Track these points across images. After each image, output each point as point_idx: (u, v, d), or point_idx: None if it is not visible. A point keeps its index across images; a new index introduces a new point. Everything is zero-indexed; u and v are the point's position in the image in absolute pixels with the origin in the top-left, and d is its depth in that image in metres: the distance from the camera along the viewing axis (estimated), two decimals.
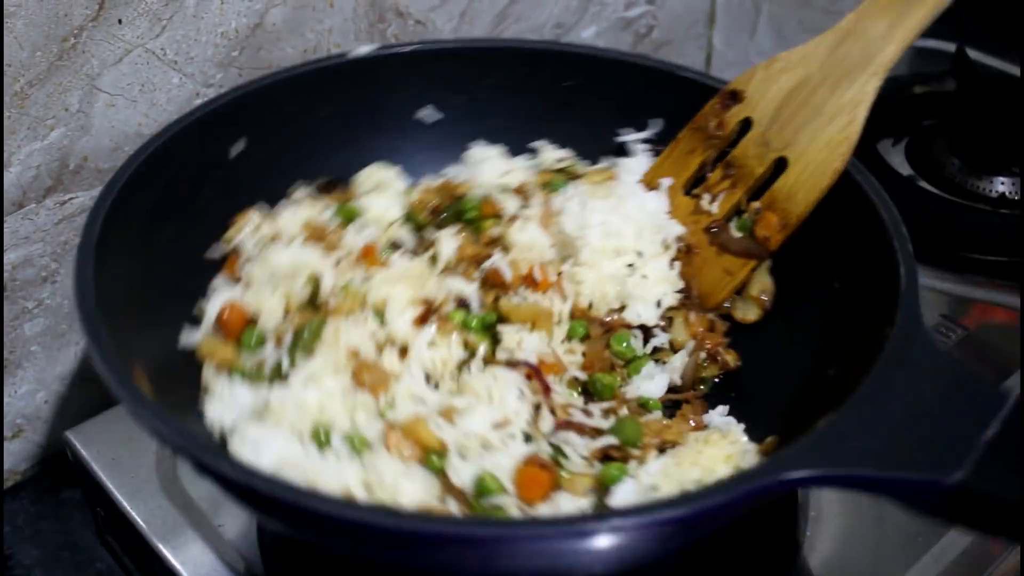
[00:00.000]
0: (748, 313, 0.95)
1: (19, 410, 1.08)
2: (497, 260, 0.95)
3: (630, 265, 0.96)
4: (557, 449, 0.84)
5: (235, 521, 0.91)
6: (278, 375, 0.87)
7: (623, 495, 0.80)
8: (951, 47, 1.47)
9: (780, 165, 0.93)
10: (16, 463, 1.10)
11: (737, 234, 0.94)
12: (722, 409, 0.91)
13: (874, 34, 0.87)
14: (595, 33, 1.41)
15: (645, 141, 1.06)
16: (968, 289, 1.16)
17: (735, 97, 0.94)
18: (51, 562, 1.03)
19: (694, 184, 1.00)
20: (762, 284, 0.94)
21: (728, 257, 0.95)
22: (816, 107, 0.89)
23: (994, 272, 1.17)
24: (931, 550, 0.89)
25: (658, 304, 0.96)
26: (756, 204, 0.94)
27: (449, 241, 0.98)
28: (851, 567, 0.89)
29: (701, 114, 0.98)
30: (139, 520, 0.92)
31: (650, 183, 1.01)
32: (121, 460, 0.96)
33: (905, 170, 1.31)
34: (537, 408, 0.87)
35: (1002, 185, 1.27)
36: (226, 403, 0.85)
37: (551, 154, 1.08)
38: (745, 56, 1.63)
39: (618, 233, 0.95)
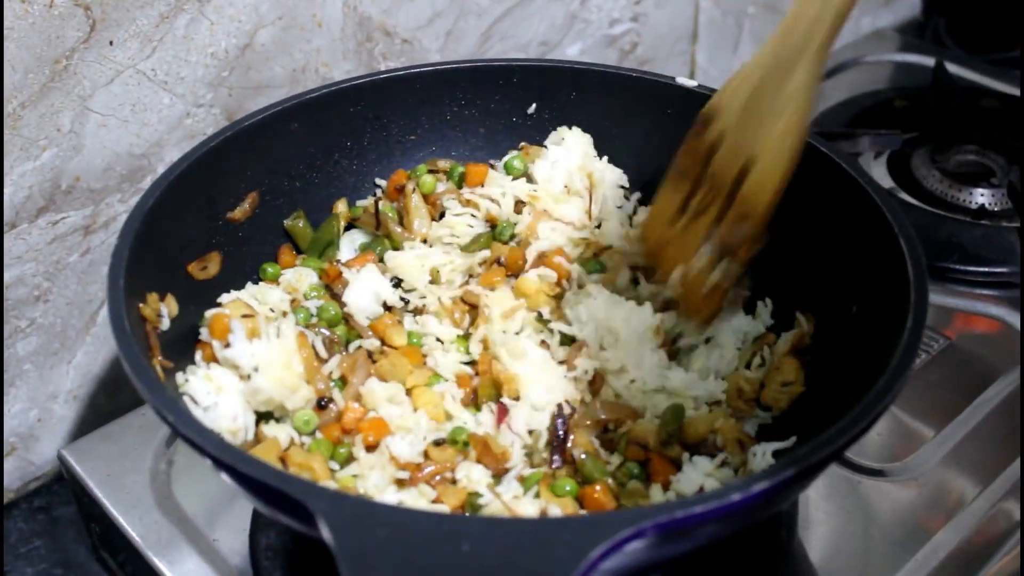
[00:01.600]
0: (779, 402, 0.93)
1: (12, 428, 1.09)
2: None
3: None
4: None
5: (229, 535, 0.92)
6: None
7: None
8: (931, 61, 1.50)
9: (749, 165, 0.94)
10: (10, 481, 1.11)
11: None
12: None
13: (809, 19, 0.87)
14: (580, 50, 1.43)
15: None
16: (950, 300, 1.18)
17: (708, 119, 0.95)
18: None
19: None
20: (788, 372, 0.95)
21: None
22: (770, 104, 0.89)
23: (975, 283, 1.19)
24: (915, 556, 0.90)
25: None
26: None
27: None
28: (840, 571, 0.91)
29: (683, 148, 0.97)
30: (134, 535, 0.93)
31: (650, 236, 1.00)
32: (116, 476, 0.97)
33: (887, 183, 1.33)
34: None
35: (982, 197, 1.29)
36: None
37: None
38: (728, 71, 1.65)
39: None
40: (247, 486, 0.69)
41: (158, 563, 0.90)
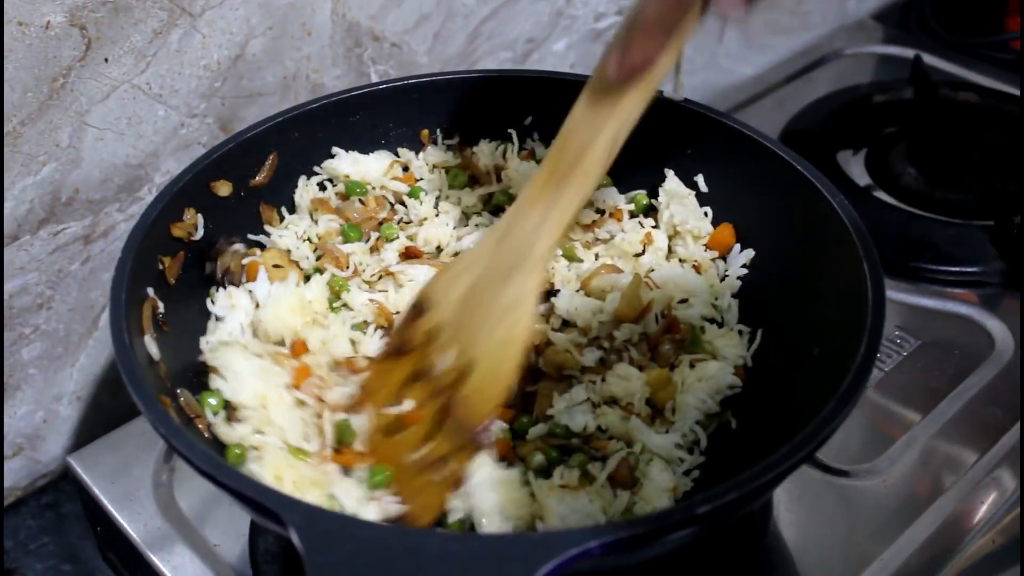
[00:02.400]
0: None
1: (19, 430, 1.13)
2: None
3: None
4: None
5: (229, 540, 0.96)
6: None
7: None
8: (911, 54, 1.52)
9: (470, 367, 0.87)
10: (17, 480, 1.16)
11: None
12: None
13: (527, 229, 0.84)
14: (566, 46, 1.45)
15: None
16: (921, 300, 1.20)
17: (419, 309, 0.91)
18: (54, 575, 1.08)
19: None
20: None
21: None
22: (488, 307, 0.85)
23: (948, 282, 1.22)
24: (881, 556, 0.94)
25: None
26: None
27: None
28: (808, 570, 0.95)
29: (398, 330, 0.93)
30: (137, 538, 0.97)
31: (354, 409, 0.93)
32: (119, 482, 1.01)
33: (863, 180, 1.36)
34: None
35: (956, 194, 1.32)
36: None
37: None
38: (714, 61, 1.67)
39: None
40: (231, 495, 0.73)
41: (160, 566, 0.95)
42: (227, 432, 0.86)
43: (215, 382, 0.90)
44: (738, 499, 0.70)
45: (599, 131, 0.82)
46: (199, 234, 0.98)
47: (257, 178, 1.04)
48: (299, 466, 0.84)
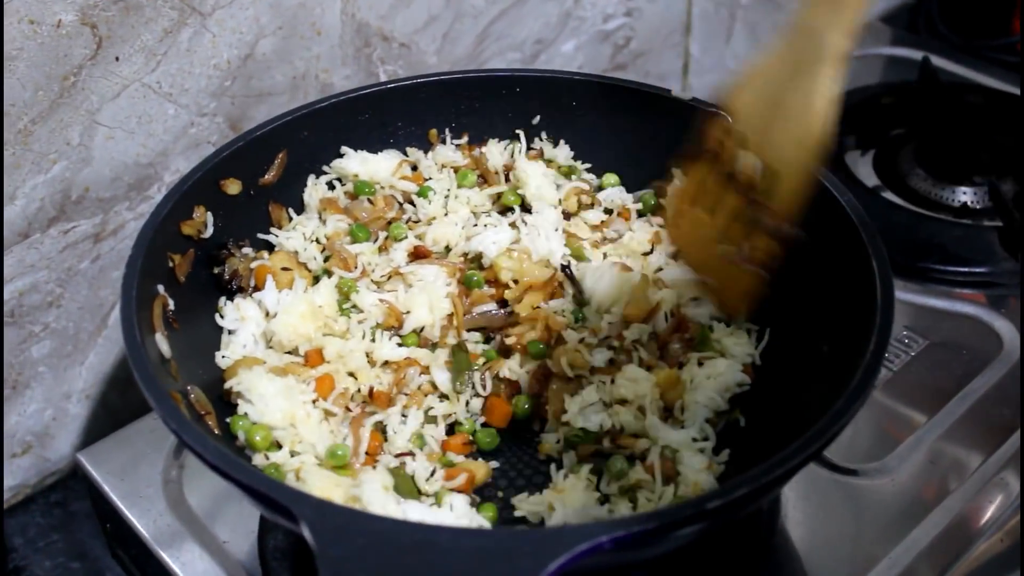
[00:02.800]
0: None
1: (28, 428, 1.13)
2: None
3: None
4: None
5: (238, 536, 0.96)
6: None
7: None
8: (919, 55, 1.52)
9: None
10: (27, 477, 1.16)
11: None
12: None
13: (816, 25, 0.85)
14: (575, 47, 1.46)
15: None
16: (929, 300, 1.21)
17: (726, 117, 0.93)
18: (63, 573, 1.08)
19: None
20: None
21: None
22: (785, 109, 0.87)
23: (955, 282, 1.22)
24: (890, 554, 0.94)
25: None
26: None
27: None
28: (816, 568, 0.95)
29: (705, 141, 0.95)
30: (147, 535, 0.97)
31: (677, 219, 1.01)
32: (129, 479, 1.02)
33: (871, 181, 1.36)
34: None
35: (964, 195, 1.32)
36: None
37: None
38: (721, 61, 1.68)
39: None
40: (243, 490, 0.74)
41: (170, 562, 0.95)
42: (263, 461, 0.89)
43: (243, 406, 0.91)
44: (748, 495, 0.71)
45: None
46: (208, 232, 0.99)
47: (266, 176, 1.05)
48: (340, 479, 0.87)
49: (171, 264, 0.94)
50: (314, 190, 1.09)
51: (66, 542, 1.12)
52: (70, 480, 1.17)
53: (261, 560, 0.93)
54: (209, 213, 0.99)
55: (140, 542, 0.97)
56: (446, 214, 1.11)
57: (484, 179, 1.14)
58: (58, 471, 1.18)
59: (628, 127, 1.13)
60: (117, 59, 1.03)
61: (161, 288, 0.92)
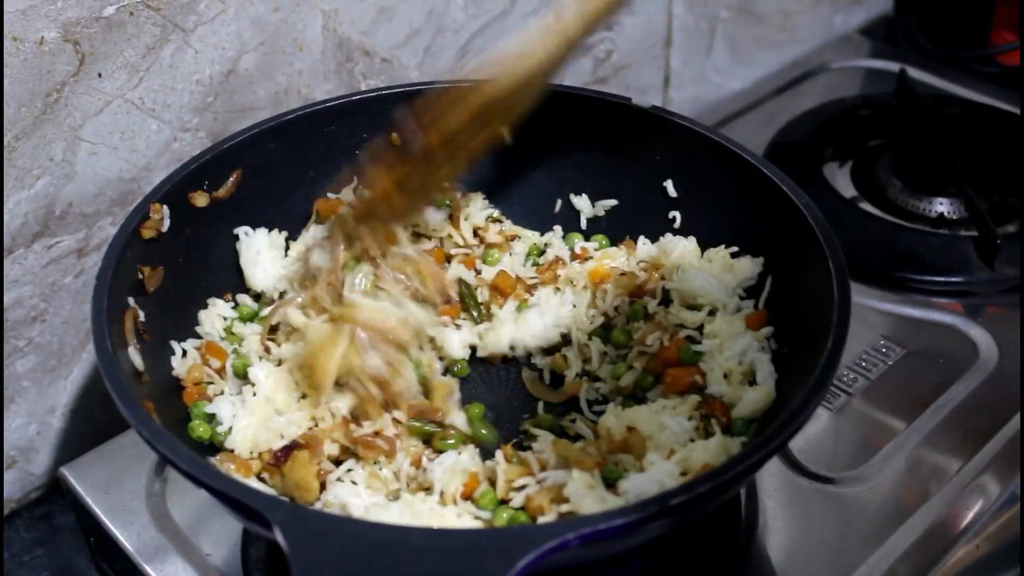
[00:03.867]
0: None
1: (13, 442, 1.14)
2: None
3: None
4: None
5: (221, 548, 0.97)
6: None
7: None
8: (896, 68, 1.54)
9: None
10: (11, 492, 1.16)
11: None
12: None
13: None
14: None
15: None
16: (907, 309, 1.22)
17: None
18: None
19: None
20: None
21: None
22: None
23: (932, 292, 1.23)
24: (867, 560, 0.95)
25: None
26: None
27: None
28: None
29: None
30: (130, 548, 0.97)
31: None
32: (112, 493, 1.02)
33: (849, 192, 1.37)
34: None
35: (941, 205, 1.33)
36: None
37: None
38: (702, 74, 1.69)
39: None
40: (215, 496, 0.75)
41: (153, 575, 0.95)
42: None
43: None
44: (711, 490, 0.73)
45: None
46: (166, 225, 0.98)
47: (219, 191, 1.04)
48: None
49: (140, 276, 0.95)
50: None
51: (50, 556, 1.12)
52: (54, 494, 1.18)
53: (244, 572, 0.94)
54: (165, 207, 0.98)
55: (124, 556, 0.97)
56: None
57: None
58: (42, 485, 1.19)
59: (590, 137, 1.14)
60: (100, 75, 1.04)
61: (131, 301, 0.93)
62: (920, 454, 1.06)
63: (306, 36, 1.19)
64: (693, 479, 0.73)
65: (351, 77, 1.25)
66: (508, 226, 1.16)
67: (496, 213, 1.16)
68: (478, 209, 1.14)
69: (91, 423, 1.19)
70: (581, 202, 1.16)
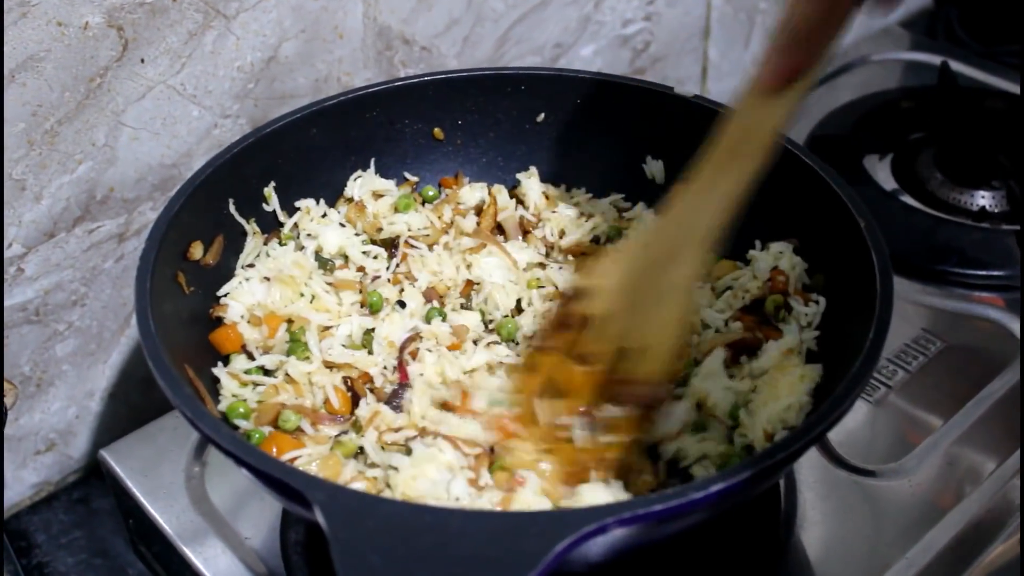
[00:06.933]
0: None
1: (52, 425, 1.15)
2: None
3: None
4: None
5: (260, 532, 0.97)
6: None
7: None
8: (938, 60, 1.52)
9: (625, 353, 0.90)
10: (50, 475, 1.17)
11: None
12: None
13: (688, 212, 0.87)
14: (593, 51, 1.47)
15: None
16: (948, 303, 1.21)
17: (575, 298, 0.93)
18: (85, 569, 1.10)
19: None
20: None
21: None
22: (647, 291, 0.89)
23: (973, 285, 1.23)
24: (906, 554, 0.95)
25: None
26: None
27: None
28: (834, 569, 0.95)
29: (555, 317, 0.94)
30: (169, 530, 0.98)
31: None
32: (152, 476, 1.03)
33: (890, 185, 1.36)
34: None
35: (982, 199, 1.32)
36: None
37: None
38: (740, 66, 1.68)
39: None
40: (258, 477, 0.75)
41: (192, 557, 0.96)
42: None
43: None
44: (751, 477, 0.72)
45: (759, 124, 0.84)
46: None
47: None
48: None
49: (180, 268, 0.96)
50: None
51: (88, 539, 1.13)
52: (92, 478, 1.19)
53: (283, 555, 0.94)
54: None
55: (163, 538, 0.98)
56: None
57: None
58: (80, 468, 1.20)
59: (632, 126, 1.13)
60: (142, 61, 1.04)
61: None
62: (959, 449, 1.05)
63: (346, 24, 1.19)
64: (735, 467, 0.73)
65: (390, 65, 1.25)
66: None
67: None
68: None
69: (129, 407, 1.20)
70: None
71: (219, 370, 0.94)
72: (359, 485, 0.84)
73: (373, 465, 0.87)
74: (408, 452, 0.86)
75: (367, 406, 0.92)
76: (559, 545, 0.67)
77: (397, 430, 0.89)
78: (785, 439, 0.76)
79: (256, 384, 0.94)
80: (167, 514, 0.99)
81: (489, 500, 0.82)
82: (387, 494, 0.83)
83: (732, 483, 0.72)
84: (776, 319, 0.98)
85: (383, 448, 0.88)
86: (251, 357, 0.97)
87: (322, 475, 0.85)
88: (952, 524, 0.98)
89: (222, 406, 0.92)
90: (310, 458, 0.87)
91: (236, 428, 0.90)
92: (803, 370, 0.90)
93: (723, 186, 0.85)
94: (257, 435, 0.89)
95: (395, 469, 0.84)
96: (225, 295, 1.00)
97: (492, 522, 0.71)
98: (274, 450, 0.88)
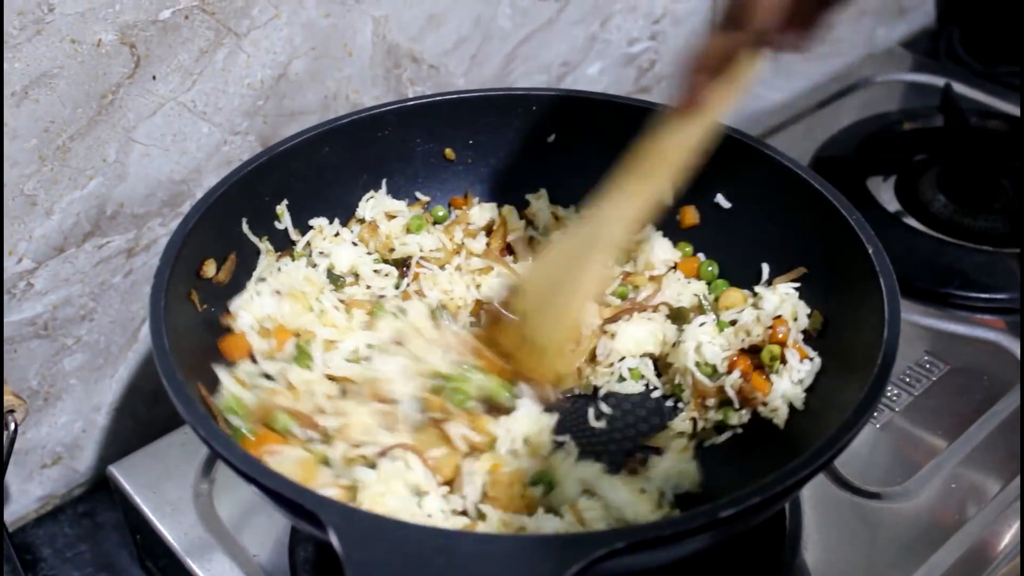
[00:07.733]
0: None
1: (59, 439, 1.15)
2: None
3: None
4: None
5: (269, 549, 0.98)
6: None
7: None
8: (941, 82, 1.53)
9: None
10: (55, 488, 1.18)
11: None
12: None
13: (598, 221, 0.94)
14: (600, 69, 1.47)
15: None
16: (950, 325, 1.21)
17: (511, 292, 1.00)
18: None
19: None
20: None
21: None
22: (554, 291, 0.95)
23: (976, 308, 1.23)
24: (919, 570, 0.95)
25: None
26: None
27: None
28: None
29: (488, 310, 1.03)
30: (177, 547, 0.99)
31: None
32: (160, 491, 1.03)
33: (893, 206, 1.37)
34: None
35: (986, 221, 1.33)
36: None
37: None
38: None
39: None
40: (270, 497, 0.76)
41: (200, 573, 0.96)
42: None
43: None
44: (760, 503, 0.73)
45: (674, 145, 0.91)
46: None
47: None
48: None
49: (194, 286, 0.96)
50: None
51: (93, 553, 1.13)
52: (97, 492, 1.19)
53: (292, 573, 0.95)
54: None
55: (171, 554, 0.99)
56: None
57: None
58: (86, 482, 1.20)
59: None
60: (154, 78, 1.05)
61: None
62: (963, 471, 1.05)
63: (356, 42, 1.19)
64: (744, 492, 0.73)
65: (399, 83, 1.26)
66: None
67: None
68: None
69: (135, 421, 1.21)
70: None
71: (220, 370, 0.93)
72: (332, 492, 0.84)
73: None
74: (372, 466, 0.87)
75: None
76: (573, 568, 0.67)
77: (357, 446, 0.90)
78: (795, 465, 0.76)
79: (256, 388, 0.94)
80: (175, 530, 0.99)
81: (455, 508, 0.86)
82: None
83: (741, 508, 0.72)
84: (770, 370, 0.98)
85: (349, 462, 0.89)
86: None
87: (296, 478, 0.84)
88: (956, 546, 0.98)
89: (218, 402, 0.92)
90: (286, 458, 0.87)
91: (228, 423, 0.90)
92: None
93: (635, 200, 0.92)
94: (246, 429, 0.89)
95: (361, 483, 0.85)
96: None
97: (504, 546, 0.72)
98: (260, 451, 0.88)
